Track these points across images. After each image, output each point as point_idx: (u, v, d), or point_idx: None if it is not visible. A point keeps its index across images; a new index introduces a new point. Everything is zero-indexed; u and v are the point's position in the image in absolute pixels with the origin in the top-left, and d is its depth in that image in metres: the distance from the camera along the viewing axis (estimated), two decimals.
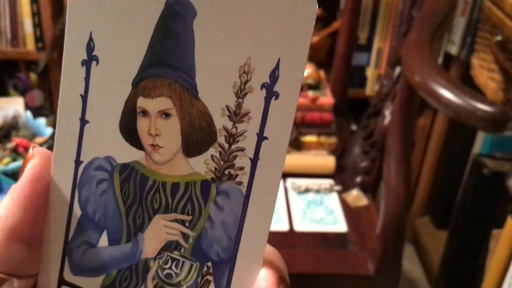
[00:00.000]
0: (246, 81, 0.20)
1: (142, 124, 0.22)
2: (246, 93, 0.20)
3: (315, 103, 1.15)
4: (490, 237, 0.94)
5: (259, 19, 0.20)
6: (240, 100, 0.20)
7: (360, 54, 1.52)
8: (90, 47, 0.21)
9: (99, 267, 0.23)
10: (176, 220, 0.22)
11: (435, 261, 1.40)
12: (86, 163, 0.22)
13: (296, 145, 1.16)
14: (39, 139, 1.19)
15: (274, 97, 0.20)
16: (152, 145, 0.22)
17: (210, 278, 0.22)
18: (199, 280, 0.22)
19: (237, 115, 0.21)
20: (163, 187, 0.22)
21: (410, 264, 1.50)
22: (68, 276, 0.23)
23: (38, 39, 1.53)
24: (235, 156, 0.21)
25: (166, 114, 0.21)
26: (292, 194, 1.08)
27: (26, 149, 1.16)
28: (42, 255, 0.23)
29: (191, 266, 0.22)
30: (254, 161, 0.21)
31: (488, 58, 1.06)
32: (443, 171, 1.50)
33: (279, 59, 0.20)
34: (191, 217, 0.22)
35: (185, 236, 0.22)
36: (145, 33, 0.21)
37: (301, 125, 1.15)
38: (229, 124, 0.21)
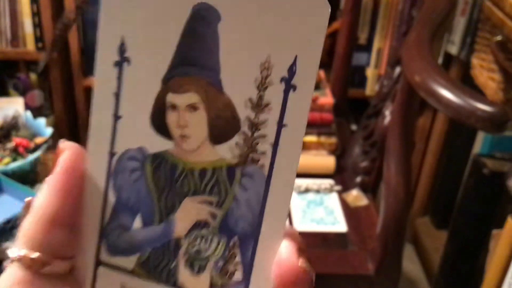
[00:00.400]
0: (267, 76, 0.23)
1: (171, 117, 0.24)
2: (266, 87, 0.23)
3: (315, 103, 1.15)
4: (490, 237, 0.94)
5: (278, 21, 0.22)
6: (261, 93, 0.23)
7: (360, 54, 1.52)
8: (122, 49, 0.23)
9: (133, 247, 0.25)
10: (204, 202, 0.24)
11: (435, 261, 1.40)
12: (119, 154, 0.24)
13: None
14: (39, 139, 1.19)
15: (292, 89, 0.23)
16: (181, 135, 0.24)
17: (236, 251, 0.24)
18: (226, 253, 0.24)
19: (259, 106, 0.23)
20: (192, 173, 0.24)
21: (410, 264, 1.50)
22: (105, 257, 0.25)
23: (38, 39, 1.53)
24: (258, 142, 0.23)
25: (193, 108, 0.24)
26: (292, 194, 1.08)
27: (26, 149, 1.16)
28: (79, 239, 0.25)
29: (219, 241, 0.24)
30: (275, 146, 0.23)
31: (488, 58, 1.06)
32: (443, 171, 1.50)
33: (296, 56, 0.22)
34: (218, 198, 0.24)
35: (213, 215, 0.24)
36: (173, 35, 0.23)
37: None
38: (251, 115, 0.23)
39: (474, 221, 1.21)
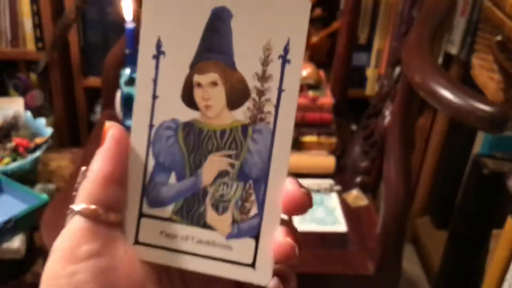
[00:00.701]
0: (268, 55, 0.30)
1: (197, 93, 0.31)
2: (268, 63, 0.30)
3: (315, 103, 1.15)
4: (490, 237, 0.94)
5: (274, 14, 0.30)
6: (265, 68, 0.30)
7: (360, 54, 1.52)
8: (158, 45, 0.31)
9: (170, 198, 0.31)
10: (225, 155, 0.31)
11: (435, 261, 1.40)
12: (157, 126, 0.31)
13: (296, 145, 1.16)
14: (39, 139, 1.19)
15: (287, 63, 0.30)
16: (205, 106, 0.31)
17: (251, 191, 0.31)
18: (244, 194, 0.31)
19: (263, 77, 0.31)
20: (214, 134, 0.31)
21: (410, 264, 1.50)
22: (146, 210, 0.31)
23: (38, 39, 1.53)
24: (264, 105, 0.31)
25: (214, 84, 0.31)
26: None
27: (26, 149, 1.16)
28: (126, 196, 0.31)
29: (238, 186, 0.31)
30: (277, 106, 0.31)
31: (488, 58, 1.06)
32: (443, 171, 1.50)
33: (289, 38, 0.30)
34: (235, 151, 0.31)
35: (232, 166, 0.31)
36: (198, 32, 0.31)
37: (301, 125, 1.15)
38: (258, 84, 0.31)
39: (474, 221, 1.21)
